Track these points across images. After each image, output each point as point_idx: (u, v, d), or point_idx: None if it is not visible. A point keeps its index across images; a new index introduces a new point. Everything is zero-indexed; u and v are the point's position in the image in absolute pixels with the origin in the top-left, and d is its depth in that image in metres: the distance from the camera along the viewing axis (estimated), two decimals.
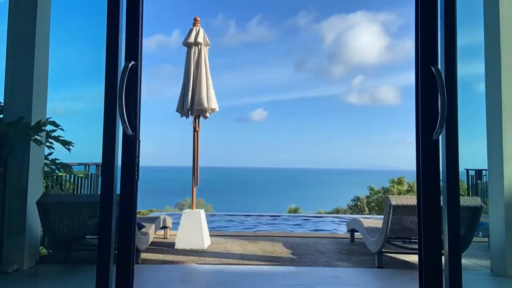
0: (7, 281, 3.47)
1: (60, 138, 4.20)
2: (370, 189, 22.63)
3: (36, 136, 3.80)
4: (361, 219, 5.16)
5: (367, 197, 22.24)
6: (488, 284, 3.64)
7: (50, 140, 4.19)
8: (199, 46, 5.53)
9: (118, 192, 2.15)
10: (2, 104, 3.88)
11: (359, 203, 21.86)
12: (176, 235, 5.35)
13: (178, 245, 5.17)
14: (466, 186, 6.58)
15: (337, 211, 23.12)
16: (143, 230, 4.57)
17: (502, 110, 3.76)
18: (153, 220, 5.19)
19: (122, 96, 2.06)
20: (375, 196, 21.88)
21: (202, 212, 5.45)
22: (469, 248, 4.15)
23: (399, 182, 21.58)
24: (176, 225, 5.68)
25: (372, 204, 21.51)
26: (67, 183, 4.82)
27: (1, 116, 3.86)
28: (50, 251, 4.21)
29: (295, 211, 23.73)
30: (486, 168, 4.34)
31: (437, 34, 2.17)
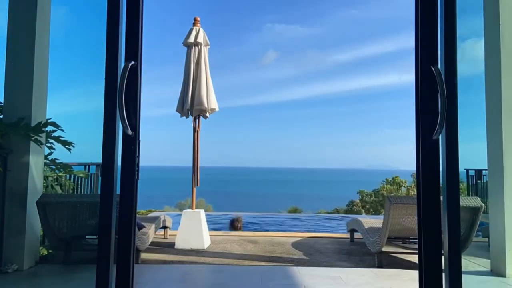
0: (7, 281, 3.47)
1: (60, 138, 4.20)
2: (359, 193, 22.51)
3: (36, 137, 3.80)
4: (361, 219, 5.16)
5: (361, 200, 22.19)
6: (488, 284, 3.64)
7: (51, 140, 4.19)
8: (199, 46, 5.53)
9: (118, 192, 2.15)
10: (2, 104, 3.88)
11: (354, 207, 21.79)
12: (176, 235, 5.36)
13: (178, 245, 5.17)
14: (466, 186, 6.58)
15: (337, 211, 23.11)
16: (143, 230, 4.57)
17: (502, 110, 3.76)
18: (153, 220, 5.19)
19: (122, 96, 2.06)
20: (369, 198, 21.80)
21: (202, 212, 5.45)
22: (469, 248, 4.15)
23: (393, 182, 21.49)
24: (176, 225, 5.68)
25: (367, 206, 21.47)
26: (67, 183, 4.82)
27: (1, 116, 3.86)
28: (50, 251, 4.21)
29: (295, 211, 23.70)
30: (486, 168, 4.34)
31: (437, 34, 2.17)
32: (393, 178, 21.81)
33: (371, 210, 20.84)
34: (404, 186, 21.30)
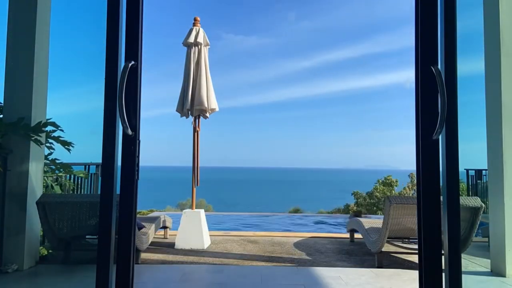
0: (7, 281, 3.47)
1: (60, 138, 4.20)
2: (354, 194, 22.15)
3: (36, 137, 3.80)
4: (361, 219, 5.16)
5: (356, 203, 21.94)
6: (488, 284, 3.64)
7: (50, 140, 4.19)
8: (199, 46, 5.53)
9: (118, 192, 2.15)
10: (2, 104, 3.88)
11: (350, 211, 21.53)
12: (176, 235, 5.36)
13: (178, 245, 5.17)
14: (466, 186, 6.58)
15: (338, 210, 23.08)
16: (143, 230, 4.57)
17: (502, 110, 3.76)
18: (153, 220, 5.19)
19: (122, 96, 2.05)
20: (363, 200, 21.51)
21: (202, 212, 5.45)
22: (469, 248, 4.15)
23: (386, 183, 21.20)
24: (176, 225, 5.68)
25: (363, 210, 21.26)
26: (67, 183, 4.82)
27: (1, 116, 3.86)
28: (50, 251, 4.21)
29: (296, 211, 23.69)
30: (486, 168, 4.34)
31: (437, 34, 2.17)
32: (385, 178, 21.44)
33: (367, 213, 20.68)
34: (396, 186, 21.00)
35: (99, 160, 2.16)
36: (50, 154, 4.31)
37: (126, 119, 2.08)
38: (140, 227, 4.60)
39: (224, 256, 4.81)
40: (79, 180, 5.14)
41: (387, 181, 21.16)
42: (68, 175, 4.85)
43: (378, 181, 21.57)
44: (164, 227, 5.74)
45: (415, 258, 4.39)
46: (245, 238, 5.90)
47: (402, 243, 4.79)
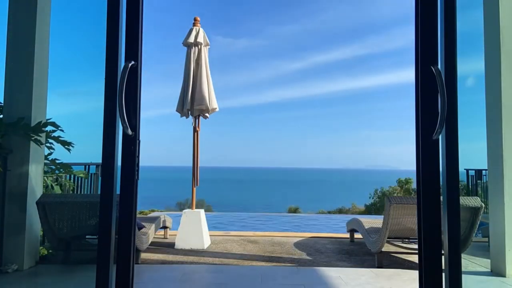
0: (7, 281, 3.47)
1: (60, 138, 4.20)
2: (374, 193, 22.32)
3: (36, 137, 3.80)
4: (361, 219, 5.16)
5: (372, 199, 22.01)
6: (488, 284, 3.64)
7: (50, 140, 4.19)
8: (199, 46, 5.53)
9: (118, 192, 2.15)
10: (2, 104, 3.88)
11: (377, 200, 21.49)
12: (176, 235, 5.36)
13: (178, 245, 5.17)
14: (466, 186, 6.57)
15: (339, 211, 23.08)
16: (143, 230, 4.57)
17: (502, 110, 3.76)
18: (153, 220, 5.19)
19: (122, 96, 2.05)
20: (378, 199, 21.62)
21: (202, 212, 5.45)
22: (469, 248, 4.15)
23: (406, 182, 21.33)
24: (176, 225, 5.68)
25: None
26: (67, 183, 4.82)
27: (1, 116, 3.86)
28: (50, 251, 4.21)
29: (295, 211, 23.70)
30: (486, 168, 4.34)
31: (437, 34, 2.17)
32: (405, 179, 21.65)
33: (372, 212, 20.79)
34: (409, 188, 21.19)
35: (99, 160, 2.16)
36: (50, 154, 4.31)
37: (126, 119, 2.08)
38: (140, 227, 4.60)
39: (224, 256, 4.81)
40: (79, 180, 5.14)
41: (406, 181, 21.35)
42: (68, 175, 4.85)
43: (399, 179, 21.75)
44: (164, 227, 5.74)
45: (415, 258, 4.39)
46: (245, 238, 5.90)
47: (402, 243, 4.79)
